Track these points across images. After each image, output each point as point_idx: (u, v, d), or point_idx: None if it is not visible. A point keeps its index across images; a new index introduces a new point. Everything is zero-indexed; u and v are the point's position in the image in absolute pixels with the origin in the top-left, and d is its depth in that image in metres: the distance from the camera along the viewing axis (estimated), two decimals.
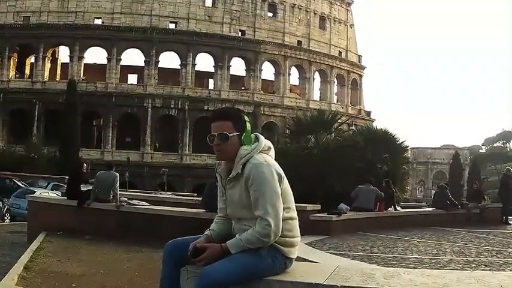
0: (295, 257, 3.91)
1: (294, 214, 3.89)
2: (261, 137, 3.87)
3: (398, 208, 20.80)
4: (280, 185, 3.72)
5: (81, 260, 10.21)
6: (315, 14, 75.82)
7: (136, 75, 70.18)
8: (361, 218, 17.45)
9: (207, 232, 3.92)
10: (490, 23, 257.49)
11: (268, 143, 3.89)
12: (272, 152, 3.89)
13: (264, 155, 3.79)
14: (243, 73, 72.03)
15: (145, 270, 9.20)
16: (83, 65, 67.23)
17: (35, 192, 26.34)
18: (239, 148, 3.77)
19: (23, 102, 61.97)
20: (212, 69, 69.95)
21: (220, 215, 4.02)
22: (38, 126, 61.17)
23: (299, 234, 3.92)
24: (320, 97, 76.94)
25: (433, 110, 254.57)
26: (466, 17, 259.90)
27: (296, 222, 3.89)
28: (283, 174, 3.78)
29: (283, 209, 3.71)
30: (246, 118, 3.88)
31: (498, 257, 11.43)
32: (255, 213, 3.65)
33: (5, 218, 25.43)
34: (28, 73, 68.91)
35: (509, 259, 11.11)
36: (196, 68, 68.77)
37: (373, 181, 18.96)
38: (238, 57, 70.27)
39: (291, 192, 3.89)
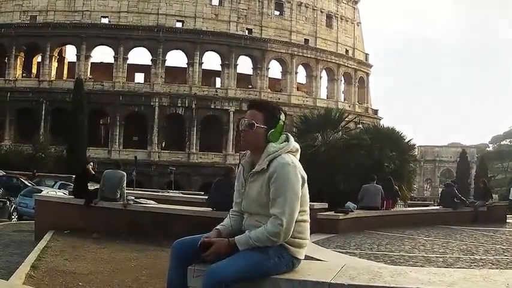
0: (303, 257, 3.91)
1: (307, 217, 3.90)
2: (291, 138, 3.88)
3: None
4: (301, 188, 3.74)
5: (88, 258, 10.24)
6: (321, 12, 75.65)
7: (143, 74, 70.15)
8: (368, 217, 17.45)
9: (218, 227, 3.94)
10: (498, 21, 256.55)
11: (297, 145, 3.90)
12: (298, 155, 3.90)
13: (292, 156, 3.80)
14: (250, 71, 71.96)
15: (152, 269, 9.22)
16: (89, 64, 67.31)
17: (42, 191, 26.41)
18: (263, 141, 3.79)
19: (30, 102, 62.18)
20: (219, 68, 69.92)
21: (235, 210, 4.03)
22: (45, 125, 61.18)
23: (309, 237, 3.94)
24: (327, 95, 76.82)
25: (440, 109, 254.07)
26: (475, 13, 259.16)
27: (308, 225, 3.91)
28: (306, 178, 3.80)
29: (299, 212, 3.73)
30: (282, 117, 3.88)
31: (505, 255, 11.42)
32: (270, 210, 3.67)
33: (13, 217, 25.49)
34: (35, 72, 69.10)
35: None
36: (203, 66, 68.71)
37: (375, 178, 18.93)
38: (245, 55, 70.16)
39: (308, 196, 3.91)
